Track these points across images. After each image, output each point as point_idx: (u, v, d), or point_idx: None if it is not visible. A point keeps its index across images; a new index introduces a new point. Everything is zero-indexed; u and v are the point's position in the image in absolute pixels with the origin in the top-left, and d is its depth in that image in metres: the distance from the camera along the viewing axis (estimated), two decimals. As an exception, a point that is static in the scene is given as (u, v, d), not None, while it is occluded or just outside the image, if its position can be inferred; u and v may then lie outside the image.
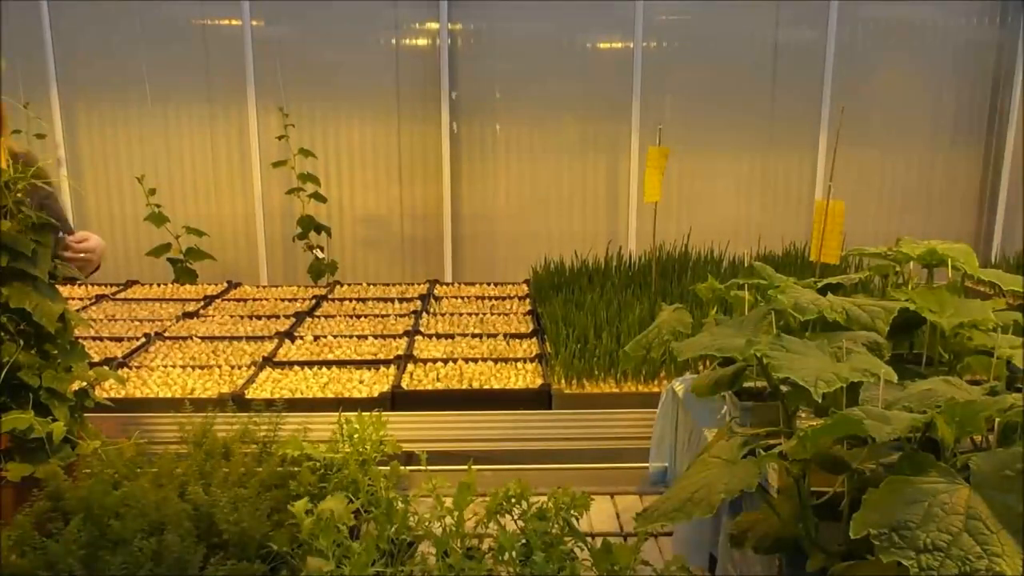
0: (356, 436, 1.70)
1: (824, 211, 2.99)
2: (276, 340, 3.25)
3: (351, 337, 3.30)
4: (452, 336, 3.33)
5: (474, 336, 3.33)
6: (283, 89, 5.11)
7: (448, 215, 5.26)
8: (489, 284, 4.43)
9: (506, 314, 3.74)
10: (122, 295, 4.05)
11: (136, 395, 2.69)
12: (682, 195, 5.42)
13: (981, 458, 0.84)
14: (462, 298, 4.09)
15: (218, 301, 3.94)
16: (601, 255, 4.37)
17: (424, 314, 3.70)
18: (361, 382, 2.81)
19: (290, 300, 3.98)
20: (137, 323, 3.54)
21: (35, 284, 1.57)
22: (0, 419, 1.49)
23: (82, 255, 2.17)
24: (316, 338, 3.29)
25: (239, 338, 3.29)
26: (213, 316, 3.66)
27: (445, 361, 3.02)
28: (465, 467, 1.41)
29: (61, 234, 2.12)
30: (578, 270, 4.23)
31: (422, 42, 5.18)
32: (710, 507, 0.96)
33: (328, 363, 2.98)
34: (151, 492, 1.33)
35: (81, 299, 3.92)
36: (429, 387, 2.81)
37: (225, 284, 4.29)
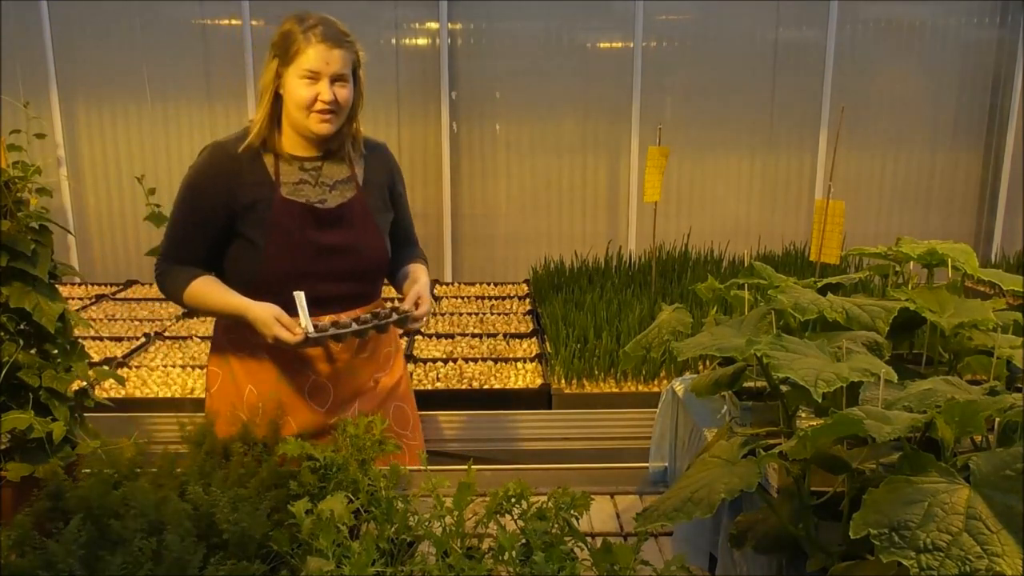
0: (356, 436, 1.70)
1: (824, 211, 2.99)
2: (276, 340, 3.25)
3: (351, 337, 3.31)
4: (452, 336, 3.33)
5: (474, 336, 3.33)
6: (283, 89, 5.11)
7: (448, 215, 5.26)
8: (489, 284, 4.43)
9: (506, 314, 3.74)
10: (122, 295, 4.06)
11: (136, 395, 2.69)
12: (682, 195, 5.42)
13: (981, 458, 0.84)
14: (462, 298, 4.09)
15: (218, 301, 3.94)
16: (601, 255, 4.37)
17: (424, 314, 3.70)
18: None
19: (290, 300, 3.98)
20: (137, 323, 3.55)
21: (35, 284, 1.57)
22: (0, 419, 1.49)
23: (423, 321, 1.97)
24: (316, 338, 3.29)
25: (239, 338, 3.29)
26: (213, 316, 3.66)
27: (445, 361, 3.02)
28: (465, 467, 1.41)
29: (405, 310, 1.89)
30: (578, 270, 4.23)
31: (422, 42, 5.18)
32: (710, 507, 0.96)
33: (328, 363, 2.98)
34: (151, 492, 1.33)
35: (81, 299, 3.92)
36: (429, 387, 2.81)
37: (225, 284, 4.29)
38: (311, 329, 1.74)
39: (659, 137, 3.74)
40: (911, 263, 1.60)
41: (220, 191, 1.88)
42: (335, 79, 1.81)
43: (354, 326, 1.79)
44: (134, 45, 5.04)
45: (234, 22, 5.08)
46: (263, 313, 1.77)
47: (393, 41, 5.17)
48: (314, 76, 1.80)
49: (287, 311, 1.78)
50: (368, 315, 1.85)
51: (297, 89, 1.81)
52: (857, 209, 5.35)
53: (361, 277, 1.96)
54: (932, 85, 5.40)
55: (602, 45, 5.27)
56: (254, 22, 5.07)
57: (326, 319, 1.84)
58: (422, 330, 3.41)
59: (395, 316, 1.84)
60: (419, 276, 2.00)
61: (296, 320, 1.77)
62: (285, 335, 1.75)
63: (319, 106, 1.81)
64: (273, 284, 1.84)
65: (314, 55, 1.78)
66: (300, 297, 1.77)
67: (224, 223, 1.88)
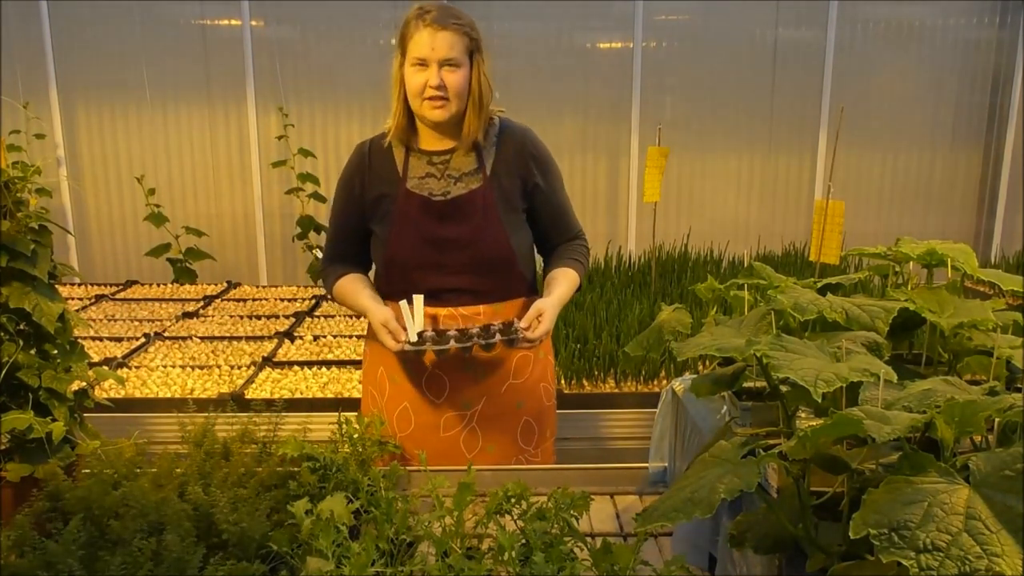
0: (356, 436, 1.70)
1: (824, 211, 2.99)
2: (276, 340, 3.25)
3: (351, 337, 3.31)
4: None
5: (474, 336, 3.32)
6: (283, 89, 5.11)
7: (448, 215, 5.26)
8: (489, 284, 4.42)
9: (506, 314, 3.74)
10: (122, 295, 4.06)
11: (136, 395, 2.69)
12: (682, 195, 5.42)
13: (981, 458, 0.84)
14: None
15: (218, 301, 3.94)
16: (601, 255, 4.37)
17: (424, 314, 3.70)
18: (361, 382, 2.82)
19: (290, 300, 3.99)
20: (137, 323, 3.55)
21: (35, 284, 1.57)
22: (0, 419, 1.49)
23: (537, 341, 1.85)
24: (316, 338, 3.29)
25: (239, 338, 3.29)
26: (213, 316, 3.66)
27: (445, 361, 3.02)
28: (465, 467, 1.41)
29: (516, 324, 1.82)
30: (578, 270, 4.22)
31: (422, 42, 5.18)
32: (710, 507, 0.95)
33: (328, 363, 2.98)
34: (151, 492, 1.33)
35: (81, 299, 3.92)
36: (429, 387, 2.81)
37: (225, 284, 4.29)
38: (413, 338, 1.78)
39: (659, 137, 3.73)
40: (911, 263, 1.60)
41: (355, 187, 1.96)
42: (444, 63, 1.79)
43: (453, 343, 1.77)
44: (134, 45, 5.04)
45: (234, 22, 5.08)
46: (375, 319, 1.84)
47: (393, 41, 5.16)
48: (423, 62, 1.80)
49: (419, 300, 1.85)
50: (477, 329, 1.82)
51: (410, 78, 1.83)
52: (857, 209, 5.35)
53: (481, 271, 1.92)
54: (932, 85, 5.40)
55: (602, 45, 5.27)
56: (254, 22, 5.07)
57: (440, 324, 1.88)
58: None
59: (499, 337, 1.79)
60: (555, 285, 1.92)
61: (404, 326, 1.81)
62: (388, 342, 1.80)
63: (428, 92, 1.81)
64: (398, 274, 1.90)
65: (420, 40, 1.79)
66: (405, 306, 1.80)
67: (360, 218, 1.97)
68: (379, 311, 1.85)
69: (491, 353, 1.92)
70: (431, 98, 1.82)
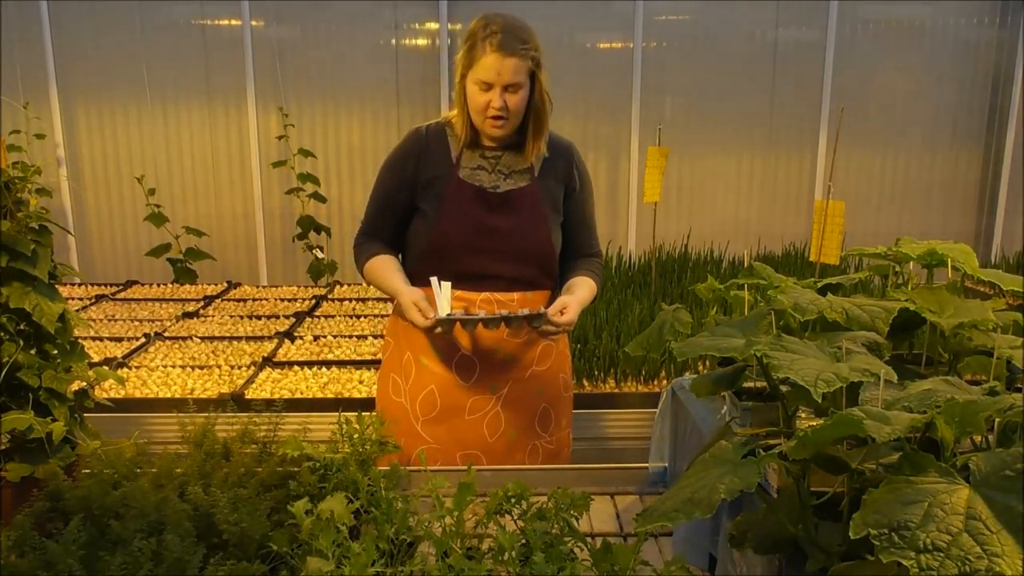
0: (356, 436, 1.70)
1: (824, 211, 2.99)
2: (276, 340, 3.25)
3: (351, 337, 3.31)
4: (452, 336, 3.33)
5: (474, 336, 3.32)
6: (283, 89, 5.11)
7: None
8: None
9: (506, 314, 3.73)
10: (122, 295, 4.06)
11: (136, 395, 2.69)
12: (682, 195, 5.42)
13: (981, 458, 0.84)
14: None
15: (218, 301, 3.94)
16: (601, 255, 4.37)
17: (424, 314, 3.70)
18: (361, 382, 2.82)
19: (290, 300, 3.98)
20: (137, 323, 3.55)
21: (35, 284, 1.57)
22: (0, 419, 1.49)
23: (560, 329, 1.94)
24: (316, 338, 3.29)
25: (239, 338, 3.29)
26: (213, 316, 3.66)
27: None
28: (465, 467, 1.41)
29: (542, 310, 1.89)
30: (578, 270, 4.22)
31: (422, 42, 5.18)
32: (710, 507, 0.95)
33: (328, 363, 2.98)
34: (151, 492, 1.33)
35: (81, 299, 3.92)
36: (429, 387, 2.80)
37: (225, 284, 4.29)
38: (442, 314, 1.84)
39: (659, 137, 3.73)
40: (911, 263, 1.60)
41: (408, 168, 2.01)
42: (507, 87, 1.88)
43: (482, 314, 1.87)
44: (134, 45, 5.04)
45: (234, 22, 5.08)
46: (406, 298, 1.90)
47: (393, 41, 5.17)
48: (488, 85, 1.89)
49: (455, 279, 1.90)
50: (505, 312, 1.90)
51: (473, 95, 1.91)
52: (857, 209, 5.35)
53: (522, 260, 2.00)
54: (932, 85, 5.40)
55: (602, 45, 5.27)
56: (254, 22, 5.07)
57: (474, 311, 1.95)
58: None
59: (527, 313, 1.87)
60: (576, 288, 2.01)
61: (434, 306, 1.88)
62: (418, 319, 1.86)
63: (491, 112, 1.90)
64: (441, 254, 1.96)
65: (487, 65, 1.87)
66: (435, 282, 1.87)
67: (408, 198, 2.01)
68: (410, 291, 1.92)
69: (518, 338, 1.98)
70: (493, 117, 1.91)
